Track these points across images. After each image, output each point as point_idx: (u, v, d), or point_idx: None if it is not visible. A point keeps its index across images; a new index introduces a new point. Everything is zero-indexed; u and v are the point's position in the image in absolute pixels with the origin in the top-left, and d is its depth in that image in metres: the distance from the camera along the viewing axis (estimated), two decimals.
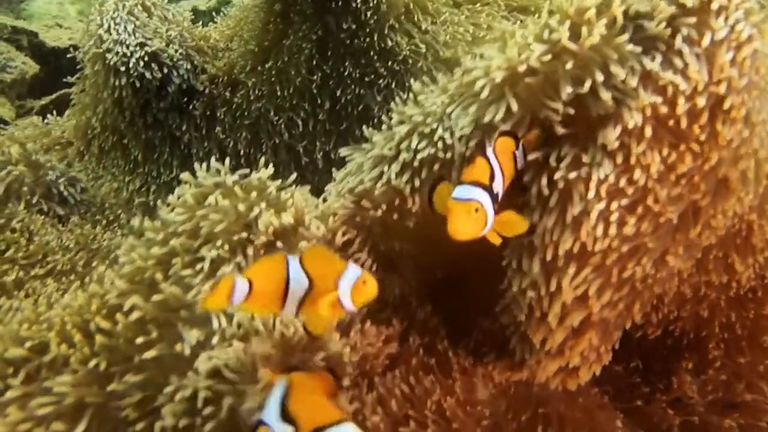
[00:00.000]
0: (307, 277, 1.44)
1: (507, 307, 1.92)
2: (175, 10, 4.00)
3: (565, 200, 1.69)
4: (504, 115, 1.72)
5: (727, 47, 1.62)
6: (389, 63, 3.51)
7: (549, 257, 1.73)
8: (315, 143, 3.67)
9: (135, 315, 1.78)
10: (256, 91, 3.72)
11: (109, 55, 3.52)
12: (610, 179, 1.64)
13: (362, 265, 1.99)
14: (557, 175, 1.69)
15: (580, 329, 1.83)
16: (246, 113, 3.73)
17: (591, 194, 1.65)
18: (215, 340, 1.68)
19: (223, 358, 1.62)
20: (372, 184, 2.01)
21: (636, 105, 1.61)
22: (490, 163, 1.63)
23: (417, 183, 1.93)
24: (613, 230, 1.67)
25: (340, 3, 3.45)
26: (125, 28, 3.56)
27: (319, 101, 3.63)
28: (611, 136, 1.62)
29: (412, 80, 2.30)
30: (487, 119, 1.74)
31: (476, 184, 1.57)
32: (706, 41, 1.61)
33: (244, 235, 1.86)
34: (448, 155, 1.87)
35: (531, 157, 1.76)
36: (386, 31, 3.46)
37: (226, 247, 1.83)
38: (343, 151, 2.22)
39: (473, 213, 1.52)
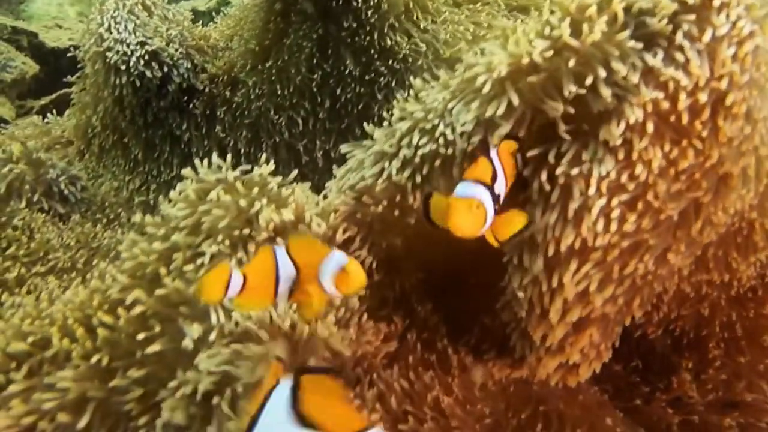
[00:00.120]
0: (294, 265, 1.45)
1: (507, 304, 1.93)
2: (175, 10, 4.01)
3: (567, 196, 1.69)
4: (505, 111, 1.72)
5: (728, 43, 1.62)
6: (389, 62, 3.51)
7: (550, 253, 1.73)
8: (315, 142, 3.67)
9: (137, 309, 1.78)
10: (257, 90, 3.72)
11: (109, 54, 3.53)
12: (611, 175, 1.64)
13: (362, 263, 1.98)
14: (558, 171, 1.69)
15: (581, 325, 1.83)
16: (246, 112, 3.74)
17: (592, 190, 1.65)
18: (213, 335, 1.69)
19: (225, 355, 1.62)
20: (373, 180, 2.02)
21: (637, 101, 1.61)
22: (492, 164, 1.63)
23: (418, 179, 1.94)
24: (614, 226, 1.68)
25: (340, 2, 3.45)
26: (126, 27, 3.57)
27: (319, 100, 3.64)
28: (614, 131, 1.62)
29: (412, 78, 2.31)
30: (488, 115, 1.74)
31: (478, 182, 1.57)
32: (707, 37, 1.61)
33: (246, 230, 1.86)
34: (450, 151, 1.87)
35: (532, 153, 1.76)
36: (386, 30, 3.46)
37: (227, 242, 1.83)
38: (344, 148, 2.22)
39: (474, 209, 1.52)
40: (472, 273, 2.09)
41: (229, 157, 2.04)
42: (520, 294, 1.83)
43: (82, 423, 1.69)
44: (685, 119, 1.62)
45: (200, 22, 4.24)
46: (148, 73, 3.57)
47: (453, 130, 1.85)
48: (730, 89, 1.63)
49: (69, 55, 4.10)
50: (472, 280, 2.11)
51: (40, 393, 1.74)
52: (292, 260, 1.45)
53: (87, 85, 3.96)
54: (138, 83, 3.61)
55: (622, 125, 1.62)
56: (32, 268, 2.82)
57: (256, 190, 1.94)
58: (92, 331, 1.80)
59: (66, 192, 3.35)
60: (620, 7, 1.67)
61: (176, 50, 3.69)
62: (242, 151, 3.69)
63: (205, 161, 2.02)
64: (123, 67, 3.54)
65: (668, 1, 1.65)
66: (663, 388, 2.37)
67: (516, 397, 2.09)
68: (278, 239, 1.84)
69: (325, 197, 2.13)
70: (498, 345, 2.03)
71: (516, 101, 1.71)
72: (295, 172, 2.10)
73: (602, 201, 1.66)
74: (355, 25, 3.48)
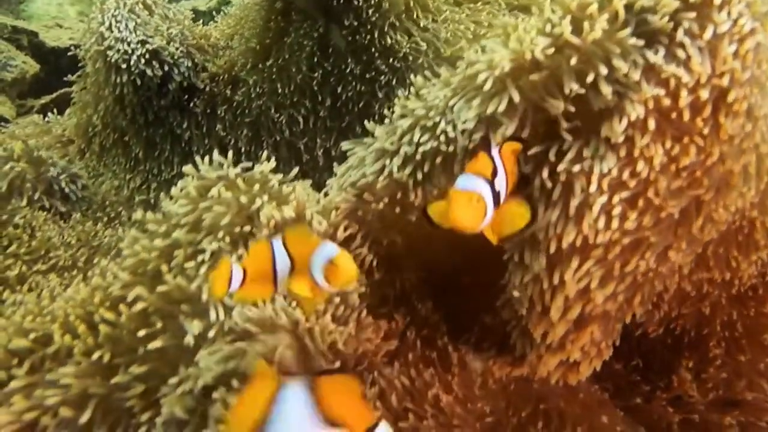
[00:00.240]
0: (289, 257, 1.46)
1: (508, 302, 1.93)
2: (176, 9, 4.01)
3: (568, 193, 1.69)
4: (506, 108, 1.72)
5: (729, 40, 1.62)
6: (390, 60, 3.50)
7: (552, 250, 1.73)
8: (316, 140, 3.67)
9: (139, 306, 1.78)
10: (257, 89, 3.73)
11: (110, 53, 3.53)
12: (613, 172, 1.64)
13: (363, 260, 1.99)
14: (560, 168, 1.69)
15: (582, 323, 1.83)
16: (247, 111, 3.74)
17: (593, 187, 1.65)
18: (213, 332, 1.69)
19: (227, 351, 1.62)
20: (374, 177, 2.02)
21: (638, 98, 1.61)
22: (493, 161, 1.63)
23: (419, 176, 1.94)
24: (615, 223, 1.68)
25: (341, 1, 3.45)
26: (126, 25, 3.57)
27: (320, 98, 3.63)
28: (616, 128, 1.62)
29: (412, 77, 2.30)
30: (489, 111, 1.74)
31: (478, 175, 1.57)
32: (708, 34, 1.61)
33: (247, 228, 1.86)
34: (451, 148, 1.87)
35: (533, 150, 1.76)
36: (387, 29, 3.46)
37: (228, 239, 1.83)
38: (345, 145, 2.22)
39: (474, 202, 1.52)
40: (473, 271, 2.08)
41: (230, 155, 2.04)
42: (521, 291, 1.83)
43: (84, 419, 1.70)
44: (686, 116, 1.62)
45: (201, 22, 4.24)
46: (149, 72, 3.57)
47: (454, 127, 1.85)
48: (731, 86, 1.63)
49: (69, 54, 4.11)
50: (473, 278, 2.11)
51: (42, 389, 1.74)
52: (288, 252, 1.46)
53: (88, 83, 3.96)
54: (139, 82, 3.61)
55: (624, 122, 1.62)
56: (33, 266, 2.83)
57: (257, 187, 1.95)
58: (94, 328, 1.81)
59: (67, 190, 3.36)
60: (621, 5, 1.67)
61: (177, 49, 3.69)
62: (243, 149, 3.69)
63: (207, 158, 2.03)
64: (124, 66, 3.54)
65: None
66: (663, 387, 2.37)
67: (516, 395, 2.09)
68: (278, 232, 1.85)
69: (325, 195, 2.13)
70: (498, 343, 2.03)
71: (517, 98, 1.71)
72: (296, 170, 2.10)
73: (603, 198, 1.66)
74: (356, 23, 3.48)
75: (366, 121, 2.24)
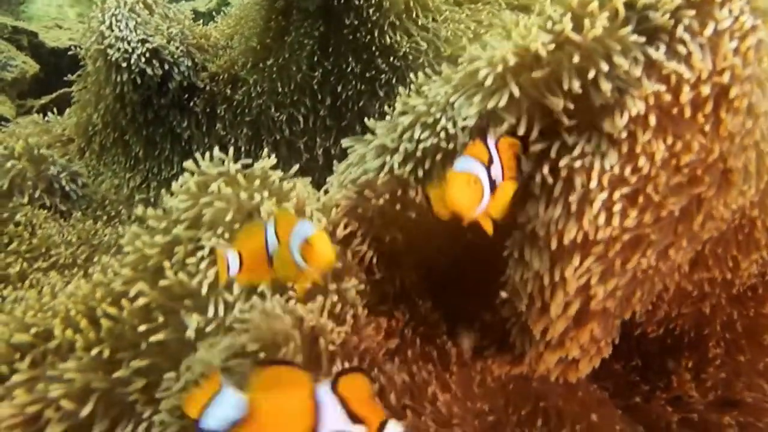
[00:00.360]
0: (278, 240, 1.47)
1: (508, 299, 1.92)
2: (176, 9, 4.01)
3: (569, 189, 1.69)
4: (507, 104, 1.72)
5: (730, 36, 1.62)
6: (390, 59, 3.51)
7: (552, 247, 1.73)
8: (316, 139, 3.67)
9: (140, 301, 1.78)
10: (257, 88, 3.73)
11: (110, 51, 3.52)
12: (614, 169, 1.65)
13: (363, 258, 1.99)
14: (561, 164, 1.69)
15: (582, 320, 1.83)
16: (247, 110, 3.74)
17: (594, 183, 1.65)
18: (213, 327, 1.69)
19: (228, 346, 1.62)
20: (375, 174, 2.02)
21: (639, 93, 1.62)
22: (489, 150, 1.63)
23: (420, 173, 1.94)
24: (616, 220, 1.68)
25: (342, 0, 3.46)
26: (127, 24, 3.56)
27: (320, 97, 3.64)
28: (618, 123, 1.62)
29: (412, 76, 2.31)
30: (490, 107, 1.74)
31: (476, 159, 1.57)
32: (709, 31, 1.61)
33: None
34: (451, 145, 1.87)
35: (534, 147, 1.76)
36: (387, 28, 3.47)
37: (228, 235, 1.83)
38: (345, 142, 2.23)
39: (471, 183, 1.52)
40: (473, 269, 2.08)
41: (230, 152, 2.04)
42: (521, 288, 1.83)
43: (85, 412, 1.70)
44: (687, 113, 1.63)
45: (200, 23, 4.24)
46: (149, 71, 3.57)
47: (455, 124, 1.85)
48: (732, 83, 1.63)
49: (69, 54, 4.11)
50: (473, 275, 2.10)
51: (44, 383, 1.75)
52: (277, 235, 1.47)
53: (88, 83, 3.95)
54: (139, 81, 3.60)
55: (625, 117, 1.62)
56: (34, 264, 2.84)
57: (257, 183, 1.95)
58: (95, 323, 1.81)
59: (67, 189, 3.36)
60: (621, 3, 1.67)
61: (177, 48, 3.69)
62: (243, 148, 3.69)
63: (207, 155, 2.03)
64: (124, 65, 3.54)
65: None
66: (663, 387, 2.37)
67: (516, 394, 2.09)
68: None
69: (326, 192, 2.13)
70: (498, 342, 2.03)
71: (518, 94, 1.71)
72: (296, 167, 2.10)
73: (604, 194, 1.66)
74: (356, 22, 3.48)
75: (366, 120, 2.24)
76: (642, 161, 1.64)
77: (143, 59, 3.53)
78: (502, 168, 1.64)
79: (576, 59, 1.67)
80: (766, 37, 1.67)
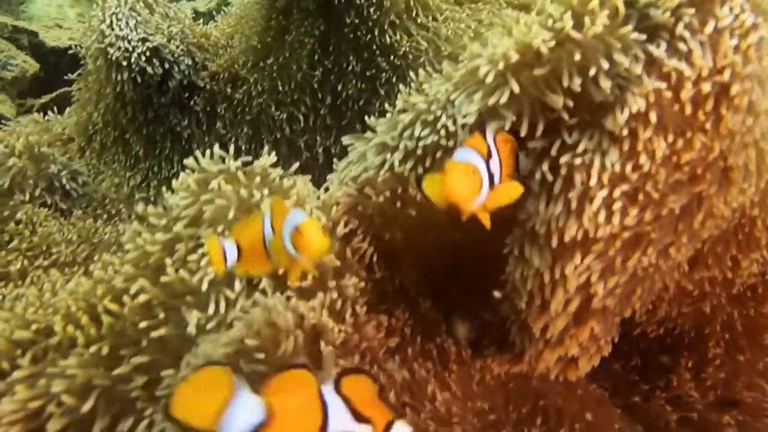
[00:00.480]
0: (272, 229, 1.49)
1: (507, 297, 1.92)
2: (176, 8, 4.02)
3: (569, 187, 1.69)
4: (507, 101, 1.72)
5: (731, 34, 1.62)
6: (391, 58, 3.51)
7: (553, 244, 1.73)
8: (316, 138, 3.68)
9: (142, 298, 1.79)
10: (258, 87, 3.74)
11: (111, 50, 3.53)
12: (615, 166, 1.65)
13: (363, 256, 1.99)
14: (561, 161, 1.69)
15: (582, 318, 1.83)
16: (247, 109, 3.75)
17: (594, 181, 1.65)
18: (214, 323, 1.69)
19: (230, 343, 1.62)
20: (375, 172, 2.02)
21: (639, 91, 1.62)
22: (488, 144, 1.63)
23: (420, 171, 1.94)
24: (616, 217, 1.68)
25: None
26: (127, 23, 3.57)
27: (320, 96, 3.65)
28: (618, 120, 1.62)
29: (413, 75, 2.31)
30: (490, 104, 1.74)
31: (475, 150, 1.57)
32: (709, 28, 1.61)
33: None
34: (451, 143, 1.87)
35: (534, 144, 1.76)
36: (387, 27, 3.47)
37: (227, 232, 1.83)
38: (346, 140, 2.23)
39: (470, 173, 1.52)
40: (473, 267, 2.08)
41: (231, 151, 2.05)
42: (521, 285, 1.83)
43: (86, 408, 1.70)
44: (688, 110, 1.63)
45: (200, 23, 4.25)
46: (149, 70, 3.57)
47: (455, 121, 1.86)
48: (732, 80, 1.63)
49: (69, 53, 4.11)
50: (473, 274, 2.10)
51: (46, 379, 1.75)
52: (272, 226, 1.49)
53: (88, 81, 3.96)
54: (139, 79, 3.61)
55: (626, 115, 1.62)
56: (35, 262, 2.85)
57: (257, 180, 1.95)
58: (97, 320, 1.82)
59: (68, 187, 3.37)
60: (621, 0, 1.68)
61: (177, 47, 3.70)
62: (243, 147, 3.70)
63: (207, 152, 2.03)
64: (124, 64, 3.54)
65: None
66: (662, 386, 2.37)
67: (515, 392, 2.09)
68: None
69: (326, 190, 2.13)
70: (498, 340, 2.02)
71: (518, 91, 1.71)
72: (296, 165, 2.10)
73: (604, 192, 1.66)
74: (357, 21, 3.48)
75: (366, 119, 2.24)
76: (642, 159, 1.64)
77: (143, 58, 3.54)
78: (500, 162, 1.65)
79: (576, 57, 1.67)
80: (766, 35, 1.67)
